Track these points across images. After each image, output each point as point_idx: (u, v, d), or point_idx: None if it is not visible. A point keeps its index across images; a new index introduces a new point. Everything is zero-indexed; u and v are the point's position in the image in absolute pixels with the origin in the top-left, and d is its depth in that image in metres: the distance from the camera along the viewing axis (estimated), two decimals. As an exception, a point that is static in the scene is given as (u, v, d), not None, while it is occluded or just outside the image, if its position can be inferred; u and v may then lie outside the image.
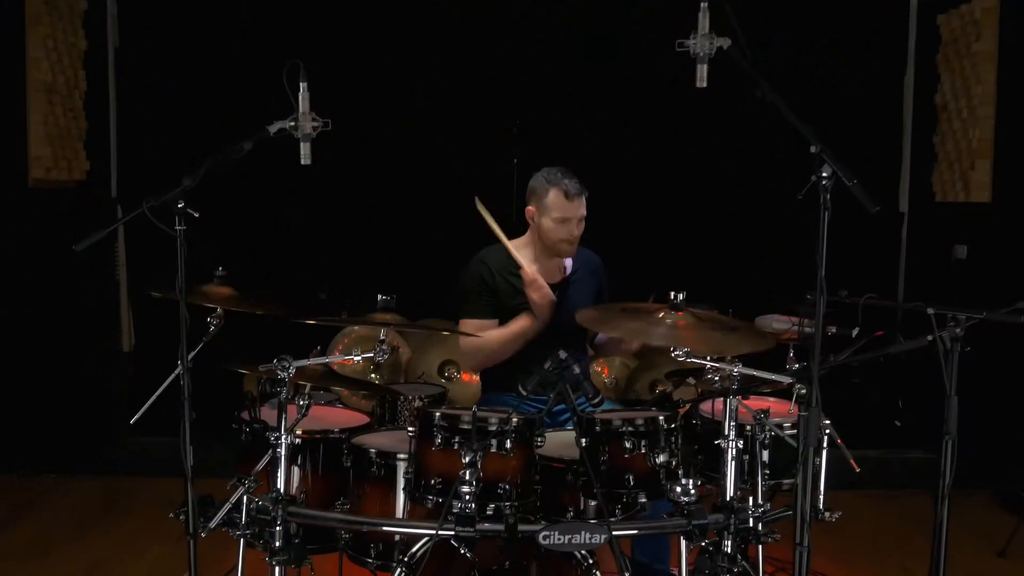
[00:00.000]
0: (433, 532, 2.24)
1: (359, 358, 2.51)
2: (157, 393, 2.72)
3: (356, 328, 5.44)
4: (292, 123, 2.49)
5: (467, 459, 2.30)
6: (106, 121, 6.42)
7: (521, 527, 2.23)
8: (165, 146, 6.14)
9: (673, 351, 2.41)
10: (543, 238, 3.38)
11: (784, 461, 2.89)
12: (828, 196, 2.24)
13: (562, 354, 2.45)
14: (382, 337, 2.49)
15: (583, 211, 3.33)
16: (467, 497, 2.25)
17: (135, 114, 6.43)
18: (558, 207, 3.30)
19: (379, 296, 2.63)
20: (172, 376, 2.68)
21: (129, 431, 5.39)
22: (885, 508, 4.81)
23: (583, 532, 2.19)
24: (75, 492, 4.83)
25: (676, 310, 2.54)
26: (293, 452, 2.81)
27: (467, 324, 3.38)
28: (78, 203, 5.99)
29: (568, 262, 3.49)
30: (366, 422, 3.10)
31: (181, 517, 2.68)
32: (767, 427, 2.57)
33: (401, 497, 2.71)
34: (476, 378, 5.56)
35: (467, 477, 2.25)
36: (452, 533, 2.23)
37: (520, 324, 3.30)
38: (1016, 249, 5.73)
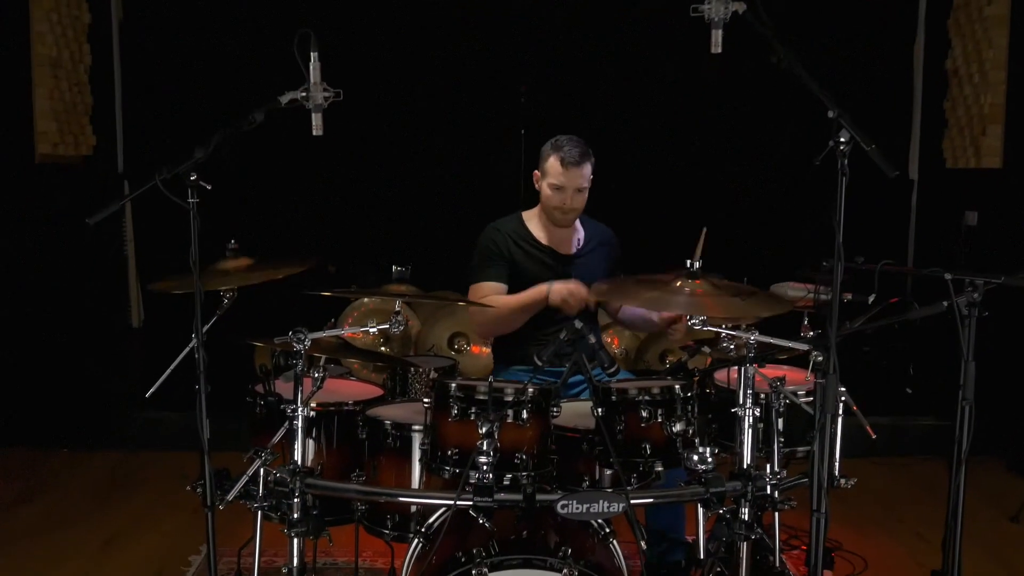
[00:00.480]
0: (451, 502, 2.24)
1: (374, 329, 2.51)
2: (172, 366, 2.71)
3: (367, 300, 5.44)
4: (303, 93, 2.46)
5: (484, 429, 2.30)
6: (112, 95, 6.41)
7: (539, 497, 2.24)
8: (172, 120, 6.12)
9: (689, 319, 2.40)
10: (543, 204, 3.37)
11: (799, 429, 2.89)
12: (845, 162, 2.22)
13: (578, 324, 2.44)
14: (397, 308, 2.48)
15: (581, 181, 3.29)
16: (484, 468, 2.25)
17: (141, 88, 6.42)
18: (554, 173, 3.29)
19: (394, 267, 2.62)
20: (187, 349, 2.67)
21: (143, 406, 5.43)
22: (897, 475, 4.82)
23: (601, 501, 2.19)
24: (89, 466, 4.85)
25: (693, 278, 2.52)
26: (308, 425, 2.82)
27: (477, 288, 3.37)
28: (85, 178, 5.99)
29: (581, 234, 3.47)
30: (380, 394, 3.10)
31: (198, 490, 2.69)
32: (783, 395, 2.56)
33: (417, 468, 2.72)
34: (487, 350, 5.57)
35: (484, 447, 2.25)
36: (470, 503, 2.24)
37: (534, 294, 3.28)
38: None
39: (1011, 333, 4.69)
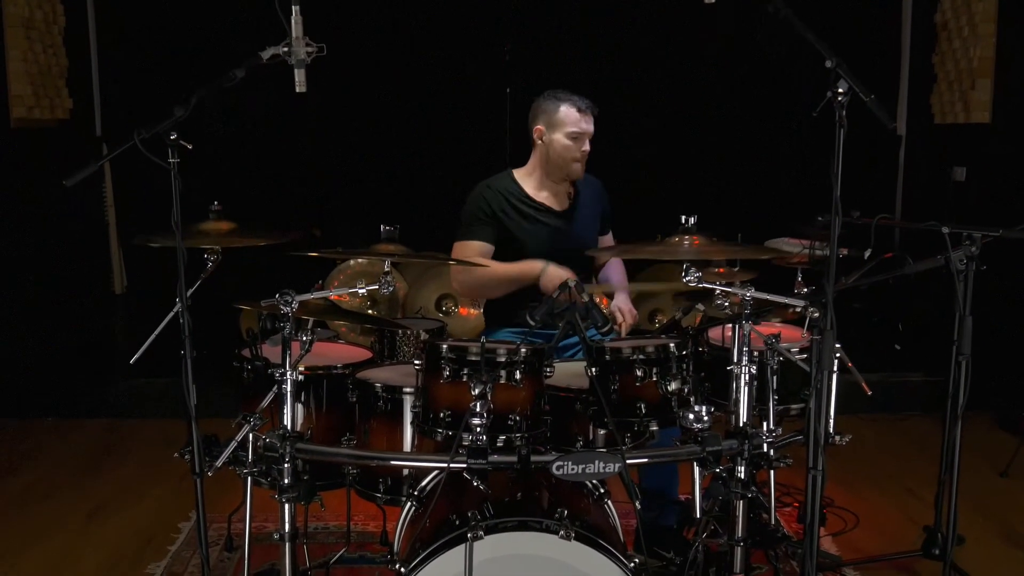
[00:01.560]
0: (445, 465, 2.20)
1: (363, 290, 2.45)
2: (157, 331, 2.66)
3: (353, 262, 5.38)
4: (285, 49, 2.38)
5: (477, 391, 2.26)
6: (87, 57, 6.26)
7: (534, 458, 2.20)
8: (151, 81, 5.98)
9: (685, 277, 2.36)
10: (553, 159, 3.29)
11: (792, 386, 2.87)
12: (844, 113, 2.17)
13: (571, 282, 2.40)
14: (386, 269, 2.43)
15: (592, 128, 3.26)
16: (478, 429, 2.21)
17: (117, 49, 6.26)
18: (572, 121, 3.23)
19: (382, 227, 2.56)
20: (171, 314, 2.62)
21: (127, 372, 5.38)
22: (887, 431, 4.83)
23: (597, 462, 2.16)
24: (74, 435, 4.81)
25: (689, 234, 2.48)
26: (296, 389, 2.78)
27: (463, 246, 3.31)
28: (62, 142, 5.87)
29: (571, 188, 3.41)
30: (368, 357, 3.06)
31: (186, 457, 2.65)
32: (778, 352, 2.53)
33: (409, 431, 2.68)
34: (475, 312, 5.54)
35: (477, 409, 2.21)
36: (464, 466, 2.20)
37: (525, 269, 3.22)
38: (1016, 170, 5.68)
39: (1001, 287, 4.69)
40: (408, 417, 2.66)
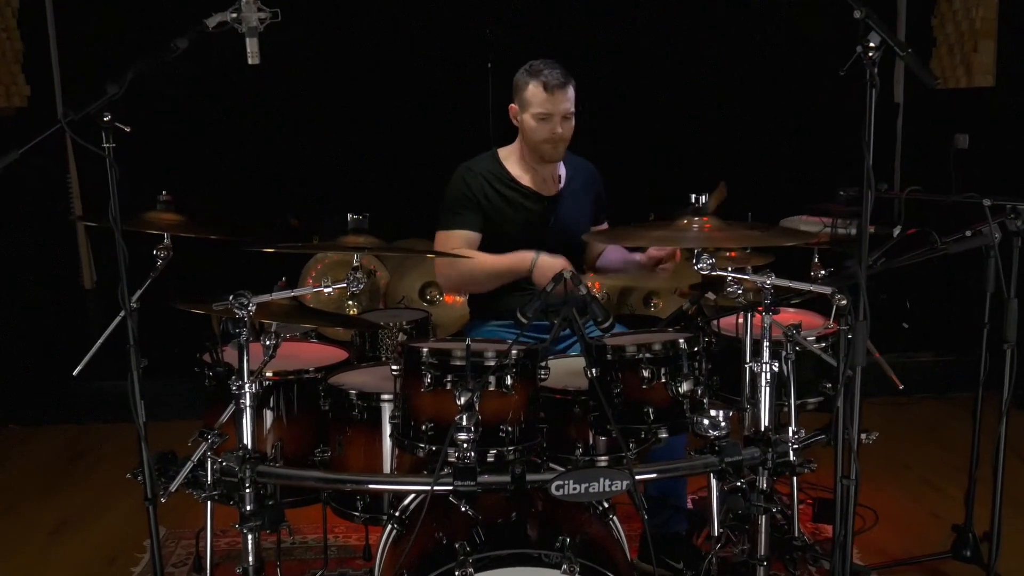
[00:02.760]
0: (428, 488, 1.92)
1: (330, 288, 2.17)
2: (100, 341, 2.38)
3: (329, 254, 5.09)
4: (234, 15, 2.10)
5: (463, 400, 1.98)
6: (45, 41, 5.91)
7: (529, 476, 1.93)
8: (116, 64, 5.64)
9: (696, 263, 2.08)
10: (526, 139, 3.02)
11: (807, 379, 2.61)
12: (875, 70, 1.90)
13: (566, 274, 2.12)
14: (355, 264, 2.15)
15: (568, 106, 2.95)
16: (465, 445, 1.93)
17: (77, 30, 5.90)
18: (538, 101, 2.93)
19: (350, 216, 2.27)
20: (116, 320, 2.34)
21: (97, 375, 5.10)
22: (896, 416, 4.58)
23: (602, 479, 1.88)
24: (40, 442, 4.52)
25: (700, 215, 2.19)
26: (264, 395, 2.51)
27: (446, 236, 3.04)
28: (21, 132, 5.53)
29: (562, 171, 3.12)
30: (344, 358, 2.78)
31: (139, 479, 2.38)
32: (799, 344, 2.26)
33: (388, 443, 2.41)
34: (460, 300, 5.25)
35: (464, 422, 1.93)
36: (449, 488, 1.93)
37: (515, 263, 2.95)
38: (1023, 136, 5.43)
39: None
40: (388, 428, 2.40)
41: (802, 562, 2.95)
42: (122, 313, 2.33)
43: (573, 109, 2.97)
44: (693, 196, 2.18)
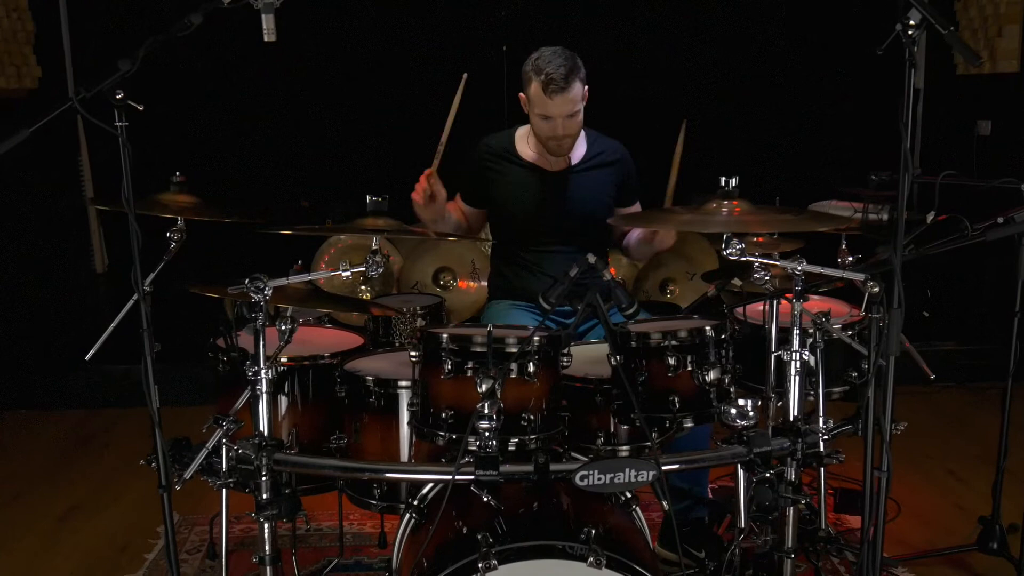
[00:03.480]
0: (448, 477, 1.87)
1: (347, 273, 2.12)
2: (113, 325, 2.33)
3: (343, 237, 5.03)
4: (249, -10, 2.03)
5: (484, 388, 1.92)
6: (56, 21, 5.86)
7: (553, 466, 1.87)
8: (127, 43, 5.57)
9: (725, 249, 2.02)
10: (533, 131, 2.97)
11: (833, 367, 2.55)
12: (915, 48, 1.83)
13: (591, 258, 2.06)
14: (374, 247, 2.09)
15: (571, 107, 2.83)
16: (487, 434, 1.88)
17: (90, 10, 5.84)
18: (538, 102, 2.86)
19: (368, 197, 2.22)
20: (129, 304, 2.29)
21: (110, 359, 5.06)
22: (918, 406, 4.49)
23: (628, 470, 1.83)
24: (48, 428, 4.48)
25: (729, 198, 2.13)
26: (279, 380, 2.46)
27: (453, 205, 3.12)
28: (33, 113, 5.48)
29: (582, 151, 3.06)
30: (360, 344, 2.73)
31: (153, 465, 2.33)
32: (829, 332, 2.20)
33: (405, 430, 2.36)
34: (474, 285, 5.19)
35: (485, 410, 1.87)
36: (471, 478, 1.87)
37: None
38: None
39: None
40: (405, 415, 2.35)
41: (824, 554, 2.90)
42: (135, 297, 2.29)
43: (579, 107, 2.86)
44: (723, 179, 2.11)
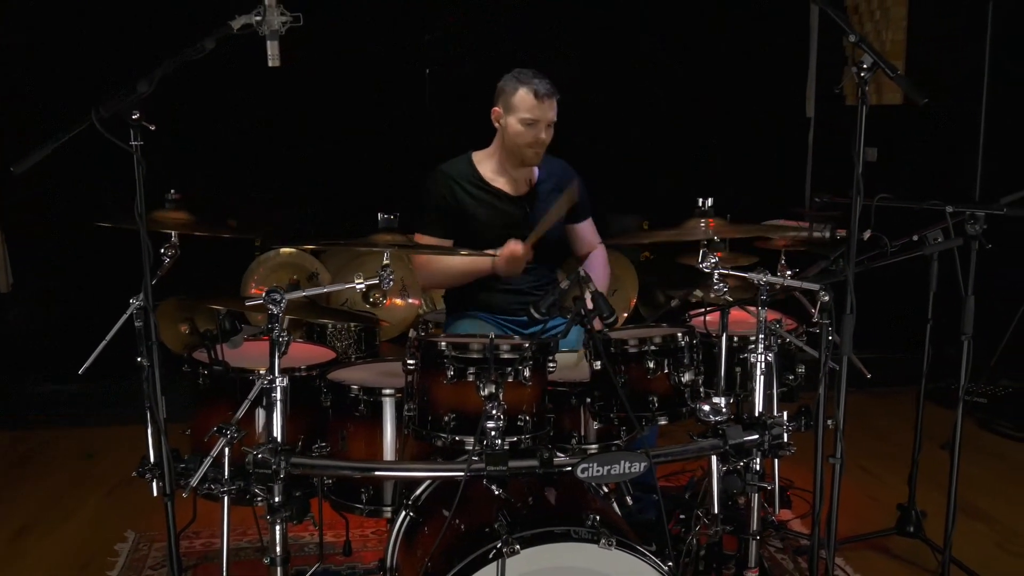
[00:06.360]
0: (462, 473, 2.02)
1: (361, 285, 2.24)
2: (109, 337, 2.37)
3: (279, 252, 5.11)
4: (258, 18, 2.15)
5: (487, 392, 2.09)
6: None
7: (556, 460, 2.05)
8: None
9: (701, 261, 2.24)
10: (508, 143, 3.14)
11: (779, 370, 2.81)
12: (868, 88, 2.10)
13: (582, 271, 2.25)
14: (385, 261, 2.22)
15: (553, 115, 3.09)
16: (493, 433, 2.04)
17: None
18: (526, 107, 3.06)
19: (379, 215, 2.35)
20: (124, 317, 2.34)
21: (34, 379, 4.95)
22: (827, 409, 4.83)
23: (622, 462, 2.01)
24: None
25: (704, 217, 2.36)
26: (258, 395, 2.54)
27: (423, 239, 3.17)
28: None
29: (536, 173, 3.26)
30: (333, 357, 2.85)
31: (147, 476, 2.39)
32: (782, 337, 2.45)
33: (390, 435, 2.49)
34: (401, 302, 5.32)
35: (493, 412, 2.04)
36: (482, 473, 2.03)
37: (476, 265, 3.12)
38: (926, 150, 5.83)
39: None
40: (389, 421, 2.49)
41: (764, 542, 3.17)
42: (128, 312, 2.35)
43: (555, 119, 3.10)
44: (700, 199, 2.35)
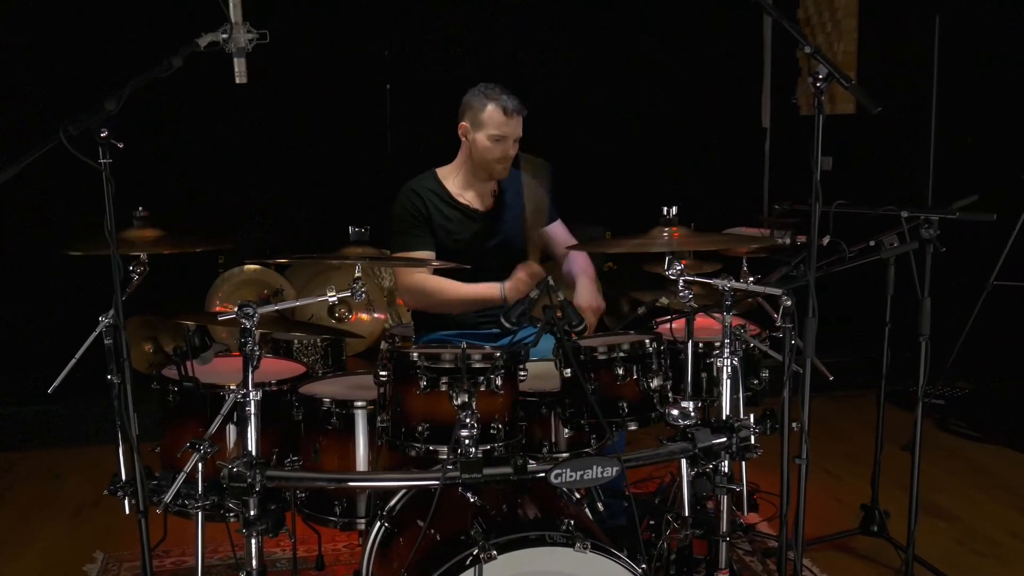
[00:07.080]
0: (437, 482, 2.03)
1: (334, 297, 2.26)
2: (78, 355, 2.37)
3: (243, 269, 5.10)
4: (224, 35, 2.17)
5: (460, 401, 2.12)
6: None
7: (530, 467, 2.07)
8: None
9: (667, 269, 2.29)
10: (475, 157, 3.17)
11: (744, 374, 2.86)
12: (823, 98, 2.17)
13: (551, 280, 2.29)
14: (357, 274, 2.24)
15: (519, 131, 3.14)
16: (467, 441, 2.06)
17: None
18: (495, 123, 3.09)
19: (351, 228, 2.37)
20: (95, 334, 2.34)
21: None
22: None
23: (595, 467, 2.05)
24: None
25: (669, 226, 2.41)
26: (229, 410, 2.54)
27: (407, 257, 3.18)
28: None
29: (494, 185, 3.29)
30: (303, 371, 2.85)
31: (119, 494, 2.39)
32: (747, 342, 2.51)
33: (362, 447, 2.51)
34: (366, 317, 5.33)
35: (467, 420, 2.06)
36: (457, 481, 2.05)
37: (487, 293, 3.11)
38: (879, 158, 5.97)
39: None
40: (362, 433, 2.50)
41: (734, 545, 3.21)
42: (100, 327, 2.35)
43: (521, 135, 3.14)
44: (664, 208, 2.40)
